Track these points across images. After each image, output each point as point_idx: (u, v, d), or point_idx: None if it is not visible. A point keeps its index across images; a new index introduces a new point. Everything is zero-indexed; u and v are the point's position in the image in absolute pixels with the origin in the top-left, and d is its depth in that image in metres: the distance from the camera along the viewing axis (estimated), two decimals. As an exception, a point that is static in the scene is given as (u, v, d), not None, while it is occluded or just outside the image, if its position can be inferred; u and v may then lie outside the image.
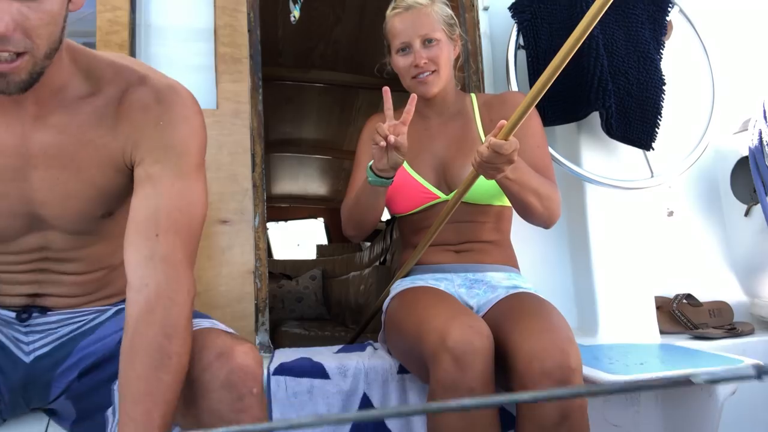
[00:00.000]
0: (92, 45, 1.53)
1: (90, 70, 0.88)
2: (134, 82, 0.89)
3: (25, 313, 0.94)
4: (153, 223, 0.82)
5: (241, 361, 0.81)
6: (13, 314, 0.94)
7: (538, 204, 1.25)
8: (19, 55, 0.73)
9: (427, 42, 1.34)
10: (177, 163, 0.86)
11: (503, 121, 1.08)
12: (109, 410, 0.88)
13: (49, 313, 0.96)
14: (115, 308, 1.01)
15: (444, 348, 1.01)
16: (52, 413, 1.00)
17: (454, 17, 1.43)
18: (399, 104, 1.63)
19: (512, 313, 1.14)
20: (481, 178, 1.29)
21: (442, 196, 1.36)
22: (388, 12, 1.40)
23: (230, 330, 0.91)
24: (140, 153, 0.87)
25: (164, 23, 1.62)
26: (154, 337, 0.75)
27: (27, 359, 0.94)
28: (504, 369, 1.08)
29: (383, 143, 1.14)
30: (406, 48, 1.36)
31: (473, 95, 1.48)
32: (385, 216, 4.37)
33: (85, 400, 0.93)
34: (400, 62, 1.37)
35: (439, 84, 1.36)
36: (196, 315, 0.94)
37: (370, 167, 1.23)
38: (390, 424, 1.26)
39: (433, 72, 1.34)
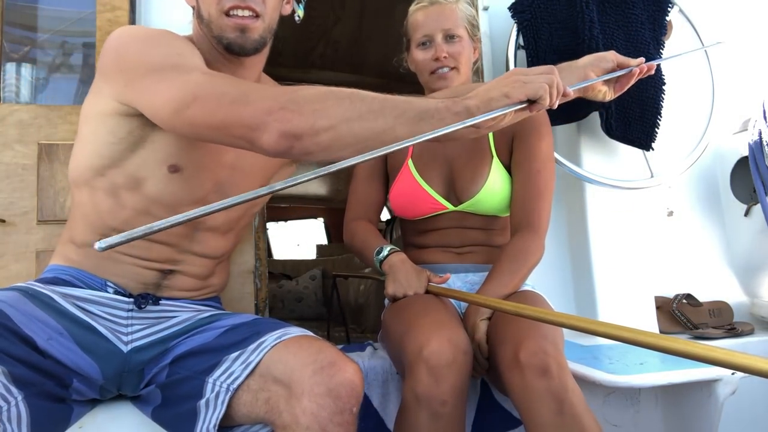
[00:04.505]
0: (92, 45, 1.53)
1: (266, 82, 1.14)
2: None
3: (142, 297, 0.99)
4: None
5: (351, 377, 0.84)
6: (130, 300, 0.99)
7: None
8: (256, 16, 0.96)
9: (449, 38, 1.32)
10: None
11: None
12: (202, 402, 0.89)
13: (161, 302, 1.01)
14: (210, 312, 1.04)
15: (420, 359, 1.01)
16: (134, 398, 1.02)
17: (477, 18, 1.41)
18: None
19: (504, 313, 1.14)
20: (492, 190, 1.32)
21: (450, 207, 1.34)
22: (412, 7, 1.39)
23: None
24: None
25: (164, 23, 1.62)
26: None
27: (125, 348, 0.97)
28: (496, 365, 1.09)
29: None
30: (427, 42, 1.34)
31: None
32: (385, 216, 4.37)
33: (174, 388, 0.95)
34: (419, 56, 1.35)
35: (458, 81, 1.34)
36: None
37: (380, 264, 1.30)
38: (390, 424, 1.26)
39: (452, 68, 1.32)
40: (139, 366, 0.98)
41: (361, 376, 0.86)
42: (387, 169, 1.46)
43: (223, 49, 0.99)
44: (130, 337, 0.97)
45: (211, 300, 1.13)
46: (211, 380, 0.90)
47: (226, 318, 1.01)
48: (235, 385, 0.87)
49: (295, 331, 0.93)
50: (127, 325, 0.98)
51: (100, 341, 0.94)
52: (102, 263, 0.99)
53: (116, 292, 0.99)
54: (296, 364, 0.84)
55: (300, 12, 1.79)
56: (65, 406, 0.89)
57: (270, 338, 0.90)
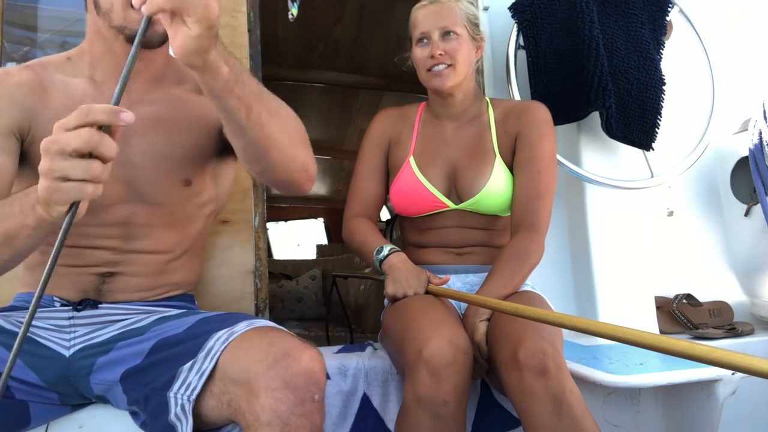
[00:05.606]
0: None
1: (179, 68, 1.10)
2: None
3: (80, 304, 1.00)
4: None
5: (307, 365, 0.81)
6: (68, 307, 1.00)
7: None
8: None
9: (446, 35, 1.33)
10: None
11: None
12: (172, 416, 0.88)
13: (100, 305, 1.01)
14: (157, 316, 1.03)
15: (421, 360, 1.01)
16: (133, 413, 1.01)
17: (479, 18, 1.42)
18: (401, 103, 1.62)
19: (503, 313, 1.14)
20: (494, 189, 1.32)
21: (451, 205, 1.35)
22: (415, 6, 1.40)
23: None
24: None
25: (164, 23, 1.62)
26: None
27: (67, 353, 0.97)
28: (495, 365, 1.09)
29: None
30: (424, 39, 1.35)
31: (488, 100, 1.45)
32: (385, 216, 4.37)
33: (146, 406, 0.94)
34: (417, 53, 1.37)
35: (455, 79, 1.34)
36: (255, 317, 0.98)
37: (380, 264, 1.29)
38: (390, 424, 1.26)
39: (449, 66, 1.33)
40: (85, 370, 0.97)
41: (321, 361, 0.84)
42: (388, 166, 1.46)
43: (124, 40, 0.96)
44: (72, 342, 0.98)
45: (176, 299, 1.10)
46: (172, 394, 0.89)
47: (172, 320, 0.99)
48: (194, 396, 0.86)
49: (242, 326, 0.91)
50: (70, 332, 0.98)
51: (32, 347, 0.94)
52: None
53: (62, 305, 1.00)
54: (250, 362, 0.82)
55: (294, 11, 1.78)
56: (15, 401, 0.90)
57: (218, 343, 0.88)
